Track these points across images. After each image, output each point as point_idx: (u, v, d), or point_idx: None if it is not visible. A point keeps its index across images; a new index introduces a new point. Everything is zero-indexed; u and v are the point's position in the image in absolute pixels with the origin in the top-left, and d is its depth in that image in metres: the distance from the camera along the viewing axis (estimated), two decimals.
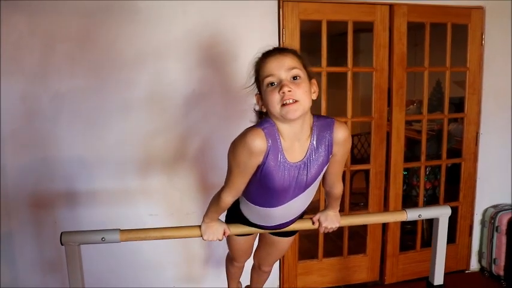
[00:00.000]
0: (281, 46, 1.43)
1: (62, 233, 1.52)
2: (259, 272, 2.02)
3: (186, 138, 2.64)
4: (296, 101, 1.28)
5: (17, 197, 2.47)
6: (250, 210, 1.54)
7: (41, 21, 2.36)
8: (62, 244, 1.51)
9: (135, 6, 2.45)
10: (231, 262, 1.99)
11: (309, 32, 2.74)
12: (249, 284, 2.17)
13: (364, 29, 3.07)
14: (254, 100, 1.45)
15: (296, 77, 1.30)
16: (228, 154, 1.36)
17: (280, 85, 1.28)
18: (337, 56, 3.14)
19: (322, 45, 2.71)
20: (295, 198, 1.45)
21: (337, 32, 2.92)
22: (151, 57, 2.51)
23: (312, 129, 1.37)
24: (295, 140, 1.36)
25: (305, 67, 1.35)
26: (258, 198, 1.47)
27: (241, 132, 1.34)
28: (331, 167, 1.45)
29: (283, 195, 1.43)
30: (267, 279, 2.09)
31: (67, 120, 2.46)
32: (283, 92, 1.27)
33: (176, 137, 2.62)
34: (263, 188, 1.40)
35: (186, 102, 2.60)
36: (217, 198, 1.48)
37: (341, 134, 1.38)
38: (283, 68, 1.29)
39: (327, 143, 1.38)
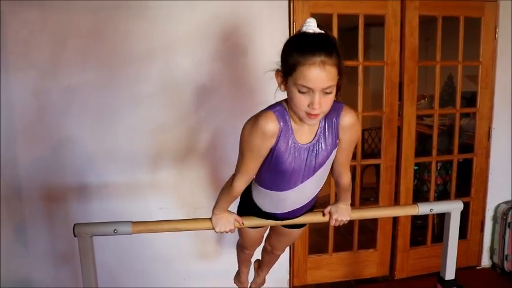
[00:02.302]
0: (325, 42, 1.36)
1: (75, 224, 1.53)
2: (270, 255, 2.05)
3: (196, 132, 2.64)
4: (320, 113, 1.28)
5: (29, 190, 2.50)
6: (262, 197, 1.55)
7: (52, 17, 2.38)
8: (75, 235, 1.53)
9: (145, 3, 2.46)
10: (242, 249, 2.02)
11: (320, 26, 2.72)
12: (258, 258, 2.18)
13: (375, 23, 3.04)
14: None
15: (328, 89, 1.26)
16: (240, 139, 1.36)
17: (311, 100, 1.24)
18: (348, 50, 3.11)
19: None
20: (306, 182, 1.46)
21: (348, 25, 2.90)
22: (161, 52, 2.52)
23: None
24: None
25: (340, 73, 1.29)
26: (270, 183, 1.48)
27: (251, 117, 1.35)
28: (338, 155, 1.45)
29: (293, 178, 1.44)
30: (277, 260, 2.11)
31: (78, 114, 2.49)
32: (313, 108, 1.25)
33: (186, 131, 2.63)
34: (274, 171, 1.41)
35: (196, 96, 2.60)
36: (228, 187, 1.49)
37: (347, 120, 1.38)
38: (320, 84, 1.24)
39: (333, 127, 1.38)
